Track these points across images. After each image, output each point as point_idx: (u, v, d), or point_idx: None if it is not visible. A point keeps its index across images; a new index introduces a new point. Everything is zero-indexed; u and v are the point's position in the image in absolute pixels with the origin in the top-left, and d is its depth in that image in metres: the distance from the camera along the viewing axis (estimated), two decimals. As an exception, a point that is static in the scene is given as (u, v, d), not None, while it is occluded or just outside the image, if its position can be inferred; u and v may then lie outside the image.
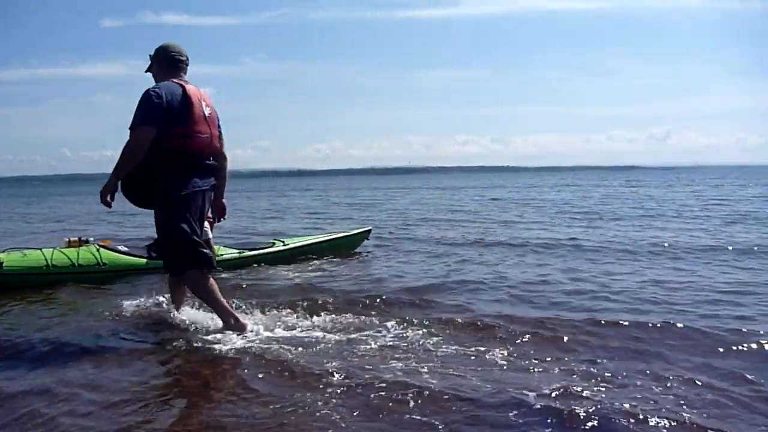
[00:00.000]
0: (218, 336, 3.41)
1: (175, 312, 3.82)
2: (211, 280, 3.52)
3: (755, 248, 6.74)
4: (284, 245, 6.62)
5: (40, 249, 5.47)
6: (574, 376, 2.77)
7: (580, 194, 23.24)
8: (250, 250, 6.35)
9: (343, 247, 7.18)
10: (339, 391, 2.59)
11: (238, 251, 6.23)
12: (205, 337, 3.43)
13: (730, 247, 6.84)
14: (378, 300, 4.31)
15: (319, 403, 2.48)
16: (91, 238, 5.70)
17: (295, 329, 3.58)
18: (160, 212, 3.44)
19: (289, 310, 4.00)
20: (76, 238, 5.62)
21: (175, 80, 3.41)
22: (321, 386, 2.65)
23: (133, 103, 3.30)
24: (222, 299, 3.52)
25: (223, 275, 5.63)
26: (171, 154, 3.31)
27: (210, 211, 3.86)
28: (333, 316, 3.88)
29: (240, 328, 3.43)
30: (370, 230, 7.77)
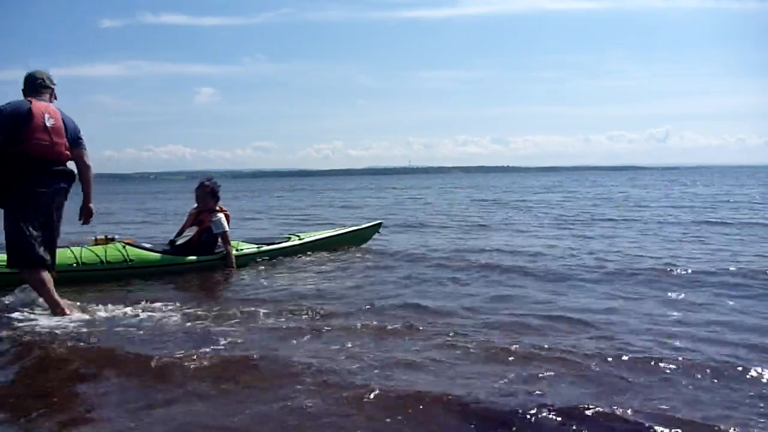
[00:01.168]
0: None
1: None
2: (44, 276, 4.07)
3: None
4: (300, 239, 6.97)
5: (69, 247, 5.59)
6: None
7: (565, 195, 23.60)
8: (268, 244, 6.69)
9: (355, 241, 7.50)
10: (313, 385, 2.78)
11: (256, 246, 6.59)
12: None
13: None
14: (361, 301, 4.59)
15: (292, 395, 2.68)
16: (117, 236, 5.91)
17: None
18: (7, 212, 4.03)
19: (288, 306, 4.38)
20: (102, 237, 5.79)
21: (29, 98, 4.08)
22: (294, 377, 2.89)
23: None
24: (53, 293, 4.08)
25: (243, 269, 6.06)
26: (14, 160, 3.93)
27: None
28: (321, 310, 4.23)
29: (61, 314, 4.04)
30: (380, 224, 8.08)
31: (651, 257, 6.60)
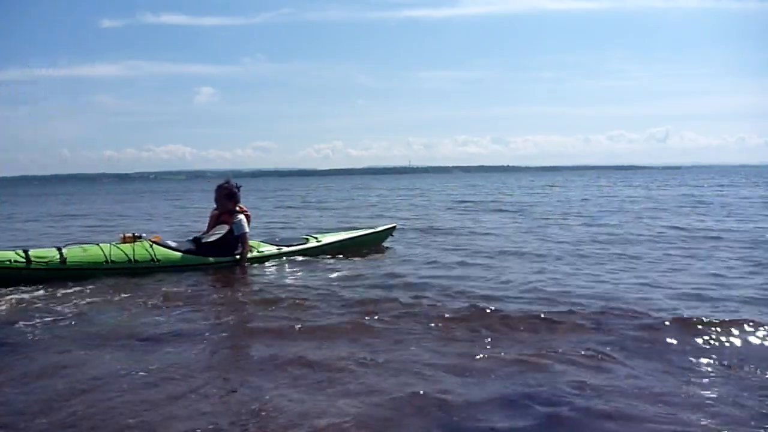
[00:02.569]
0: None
1: None
2: None
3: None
4: (317, 241, 6.99)
5: (98, 244, 5.71)
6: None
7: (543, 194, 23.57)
8: (287, 246, 6.73)
9: (370, 243, 7.52)
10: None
11: (276, 247, 6.63)
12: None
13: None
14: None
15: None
16: (144, 234, 5.96)
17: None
18: None
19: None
20: (130, 234, 5.86)
21: None
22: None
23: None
24: None
25: (266, 269, 6.10)
26: None
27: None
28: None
29: None
30: (394, 227, 8.10)
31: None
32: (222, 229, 6.08)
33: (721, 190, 23.19)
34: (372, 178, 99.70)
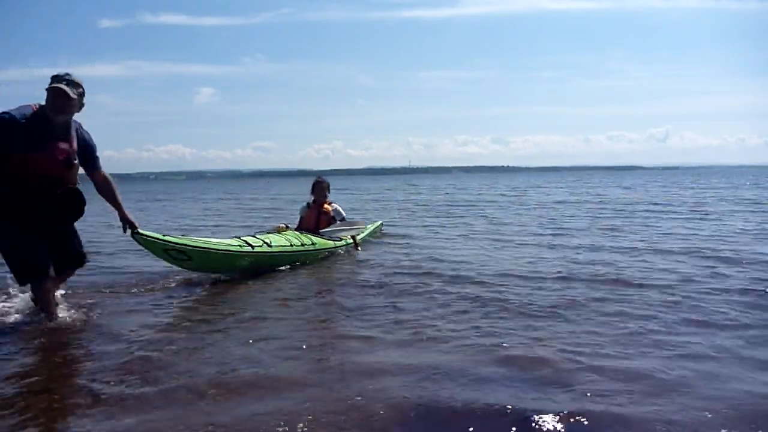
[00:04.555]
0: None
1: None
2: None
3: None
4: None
5: (269, 232, 6.61)
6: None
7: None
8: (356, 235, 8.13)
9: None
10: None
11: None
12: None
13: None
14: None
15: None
16: (289, 225, 6.99)
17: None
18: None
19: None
20: (283, 225, 6.94)
21: None
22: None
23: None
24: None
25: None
26: None
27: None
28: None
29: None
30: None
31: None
32: (357, 225, 7.58)
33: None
34: (372, 179, 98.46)
